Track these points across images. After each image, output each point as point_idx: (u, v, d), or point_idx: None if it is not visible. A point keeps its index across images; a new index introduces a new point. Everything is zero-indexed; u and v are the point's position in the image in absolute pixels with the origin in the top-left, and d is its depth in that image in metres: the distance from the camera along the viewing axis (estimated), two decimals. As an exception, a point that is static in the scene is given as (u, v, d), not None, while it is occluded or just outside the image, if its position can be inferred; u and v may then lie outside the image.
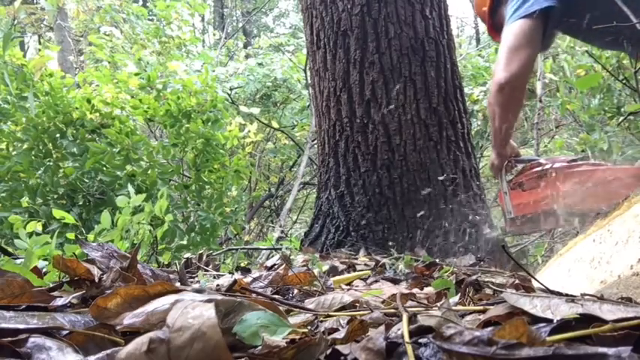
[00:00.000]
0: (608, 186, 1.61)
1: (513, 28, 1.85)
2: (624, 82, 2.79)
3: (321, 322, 0.70)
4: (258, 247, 2.89)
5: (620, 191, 1.53)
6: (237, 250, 2.74)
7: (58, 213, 1.75)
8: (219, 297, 0.58)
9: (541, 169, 1.82)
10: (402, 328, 0.53)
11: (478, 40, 9.92)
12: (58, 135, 2.90)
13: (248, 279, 1.13)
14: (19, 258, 1.11)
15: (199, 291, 0.65)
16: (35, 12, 8.49)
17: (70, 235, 1.84)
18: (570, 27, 1.94)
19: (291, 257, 1.69)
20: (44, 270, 1.00)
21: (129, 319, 0.54)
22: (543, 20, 1.84)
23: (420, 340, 0.50)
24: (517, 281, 1.00)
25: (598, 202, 1.60)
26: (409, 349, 0.48)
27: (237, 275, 1.26)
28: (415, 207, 2.07)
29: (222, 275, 1.34)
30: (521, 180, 1.89)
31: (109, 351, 0.49)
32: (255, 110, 4.50)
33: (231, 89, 5.23)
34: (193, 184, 3.14)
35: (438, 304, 0.80)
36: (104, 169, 2.83)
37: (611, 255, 0.88)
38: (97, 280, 0.78)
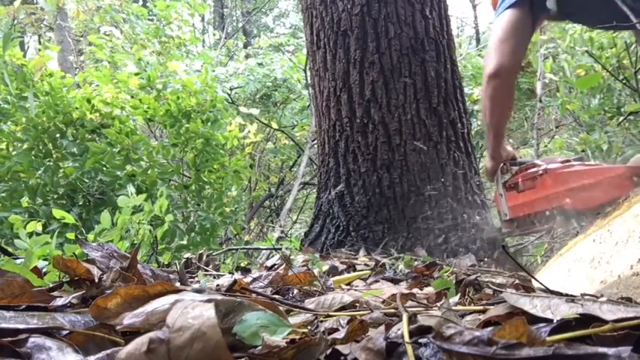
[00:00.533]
0: (602, 185, 1.61)
1: (501, 20, 1.85)
2: (624, 82, 2.79)
3: (321, 322, 0.70)
4: (258, 247, 2.89)
5: (614, 190, 1.54)
6: (237, 250, 2.74)
7: (58, 213, 1.75)
8: (219, 297, 0.58)
9: (536, 170, 1.82)
10: (402, 328, 0.53)
11: (478, 40, 9.92)
12: (58, 135, 2.90)
13: (248, 279, 1.13)
14: (19, 258, 1.11)
15: (199, 291, 0.65)
16: (35, 12, 8.48)
17: (70, 235, 1.84)
18: (559, 10, 1.93)
19: (291, 257, 1.69)
20: (44, 270, 1.00)
21: (129, 319, 0.54)
22: (530, 7, 1.84)
23: (420, 340, 0.50)
24: (517, 281, 1.00)
25: (592, 202, 1.60)
26: (409, 349, 0.48)
27: (237, 275, 1.26)
28: (415, 207, 2.07)
29: (222, 275, 1.34)
30: (517, 181, 1.89)
31: (109, 351, 0.49)
32: (255, 111, 4.50)
33: (231, 89, 5.22)
34: (193, 184, 3.14)
35: (438, 304, 0.80)
36: (104, 169, 2.83)
37: (611, 255, 0.88)
38: (97, 280, 0.78)
